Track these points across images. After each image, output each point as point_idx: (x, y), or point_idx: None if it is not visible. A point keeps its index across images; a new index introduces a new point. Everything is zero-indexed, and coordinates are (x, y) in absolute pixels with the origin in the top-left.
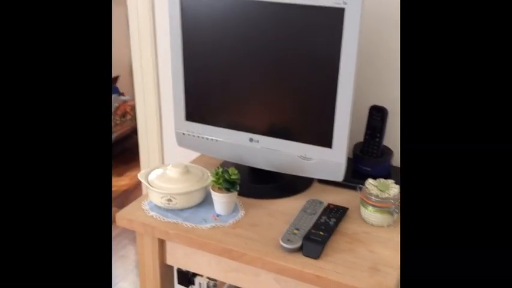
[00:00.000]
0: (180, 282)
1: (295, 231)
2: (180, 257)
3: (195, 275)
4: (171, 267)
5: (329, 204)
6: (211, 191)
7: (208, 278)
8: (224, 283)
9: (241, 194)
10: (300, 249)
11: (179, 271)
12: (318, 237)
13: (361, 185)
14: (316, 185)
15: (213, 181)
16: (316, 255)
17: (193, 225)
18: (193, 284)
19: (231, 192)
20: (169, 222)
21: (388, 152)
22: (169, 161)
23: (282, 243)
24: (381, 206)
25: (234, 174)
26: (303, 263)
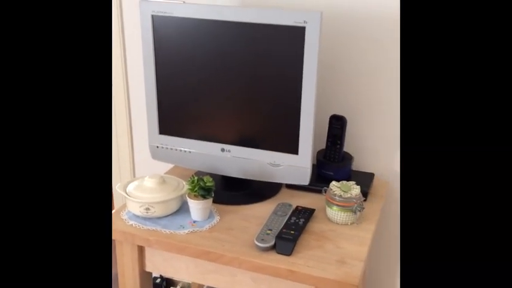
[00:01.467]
0: None
1: (268, 232)
2: (159, 263)
3: (169, 285)
4: (150, 274)
5: (297, 207)
6: (188, 198)
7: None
8: None
9: (215, 201)
10: (274, 248)
11: (154, 283)
12: (290, 235)
13: (325, 188)
14: (284, 190)
15: (189, 189)
16: (288, 252)
17: (171, 231)
18: None
19: (207, 198)
20: (149, 229)
21: (348, 157)
22: (141, 174)
23: (256, 242)
24: (345, 205)
25: (209, 181)
26: (276, 260)
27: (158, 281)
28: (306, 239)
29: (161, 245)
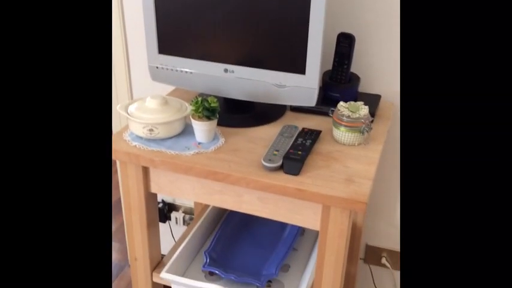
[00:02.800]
0: None
1: (275, 152)
2: (164, 184)
3: (171, 210)
4: (155, 196)
5: (303, 128)
6: (192, 119)
7: (184, 212)
8: (201, 216)
9: (218, 123)
10: (281, 168)
11: None
12: (297, 156)
13: (332, 109)
14: (289, 113)
15: (193, 110)
16: (296, 172)
17: (177, 152)
18: (169, 219)
19: (211, 120)
20: (153, 150)
21: (355, 78)
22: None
23: (264, 162)
24: (352, 125)
25: (213, 102)
26: (284, 180)
27: (160, 205)
28: (313, 160)
29: (167, 165)
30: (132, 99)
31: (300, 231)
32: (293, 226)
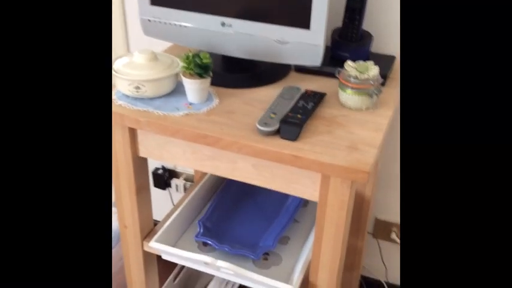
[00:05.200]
0: (156, 185)
1: (272, 115)
2: (153, 148)
3: (171, 177)
4: (145, 160)
5: (306, 90)
6: (183, 77)
7: (185, 179)
8: (198, 184)
9: (214, 83)
10: (277, 132)
11: (155, 174)
12: (296, 119)
13: (339, 69)
14: (292, 73)
15: (184, 67)
16: (293, 137)
17: (165, 113)
18: (169, 186)
19: (204, 78)
20: (139, 110)
21: (367, 36)
22: None
23: (258, 126)
24: (360, 87)
25: (205, 58)
26: (280, 145)
27: (160, 172)
28: (314, 124)
29: (153, 126)
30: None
31: (303, 201)
32: (296, 196)
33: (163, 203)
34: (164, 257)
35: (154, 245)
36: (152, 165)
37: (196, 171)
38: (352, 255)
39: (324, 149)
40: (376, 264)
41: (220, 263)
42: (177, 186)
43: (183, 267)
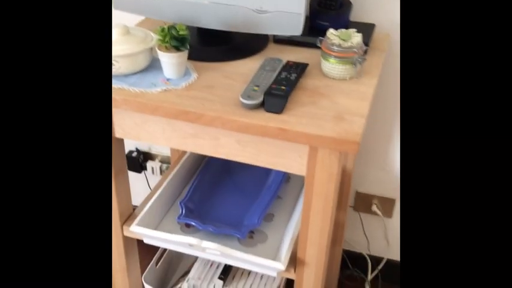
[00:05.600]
0: (130, 169)
1: (256, 88)
2: (130, 128)
3: (146, 159)
4: (122, 142)
5: (288, 61)
6: (158, 51)
7: (160, 161)
8: (177, 164)
9: (191, 57)
10: (262, 106)
11: (129, 157)
12: (280, 91)
13: (321, 38)
14: (272, 45)
15: (160, 40)
16: (279, 109)
17: (141, 89)
18: (145, 169)
19: (181, 51)
20: (114, 88)
21: (347, 4)
22: None
23: (242, 99)
24: (344, 56)
25: (182, 29)
26: (265, 118)
27: (134, 154)
28: (298, 96)
29: (130, 104)
30: None
31: (286, 177)
32: (278, 172)
33: (139, 186)
34: (146, 241)
35: (136, 229)
36: (126, 148)
37: (172, 152)
38: (334, 230)
39: (310, 120)
40: (358, 237)
41: (206, 243)
42: (153, 168)
43: (164, 250)
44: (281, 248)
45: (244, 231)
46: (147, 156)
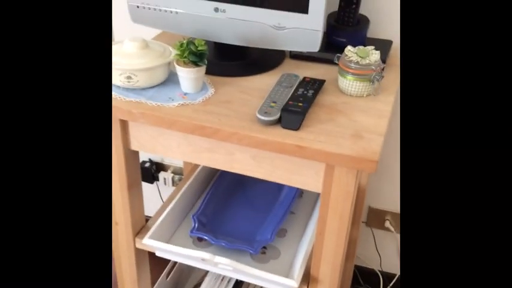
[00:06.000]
0: (143, 179)
1: (273, 104)
2: (146, 141)
3: (159, 170)
4: (137, 154)
5: (305, 78)
6: (177, 66)
7: (173, 172)
8: (190, 177)
9: (207, 72)
10: (278, 122)
11: (141, 167)
12: (297, 108)
13: (339, 55)
14: (288, 60)
15: (178, 55)
16: (296, 126)
17: (159, 103)
18: (157, 179)
19: (199, 66)
20: (132, 101)
21: (364, 20)
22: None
23: (258, 115)
24: (361, 73)
25: (201, 45)
26: (282, 135)
27: (147, 165)
28: (315, 113)
29: (147, 118)
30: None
31: (299, 192)
32: (291, 187)
33: (151, 197)
34: (158, 254)
35: (149, 242)
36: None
37: (185, 163)
38: (347, 246)
39: (328, 138)
40: (370, 253)
41: (219, 258)
42: (165, 179)
43: (175, 263)
44: (294, 265)
45: (257, 246)
46: (159, 167)
